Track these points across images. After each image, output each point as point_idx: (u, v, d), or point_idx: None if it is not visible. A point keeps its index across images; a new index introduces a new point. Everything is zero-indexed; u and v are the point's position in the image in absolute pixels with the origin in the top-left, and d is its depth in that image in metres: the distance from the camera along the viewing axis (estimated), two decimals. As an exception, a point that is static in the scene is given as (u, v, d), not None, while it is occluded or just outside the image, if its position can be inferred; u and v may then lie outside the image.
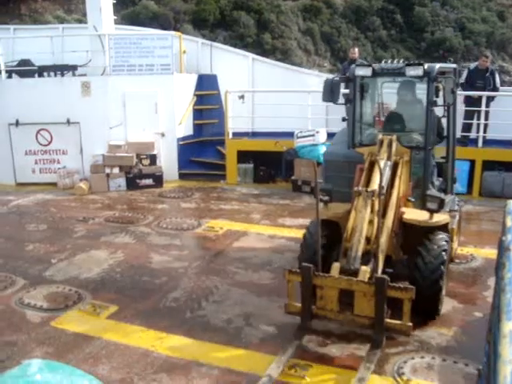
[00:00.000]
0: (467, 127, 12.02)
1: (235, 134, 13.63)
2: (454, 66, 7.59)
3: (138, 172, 12.91)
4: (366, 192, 5.80)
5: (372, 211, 5.73)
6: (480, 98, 11.78)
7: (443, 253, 5.87)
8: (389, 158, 6.30)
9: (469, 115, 11.97)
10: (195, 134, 14.63)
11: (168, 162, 13.51)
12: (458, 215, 7.72)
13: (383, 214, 5.80)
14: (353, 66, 7.13)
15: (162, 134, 13.43)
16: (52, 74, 14.00)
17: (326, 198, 6.36)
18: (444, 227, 6.24)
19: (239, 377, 5.03)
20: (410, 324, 5.08)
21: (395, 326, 5.17)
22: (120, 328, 6.05)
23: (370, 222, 5.68)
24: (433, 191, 6.71)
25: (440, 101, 6.85)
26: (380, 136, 6.56)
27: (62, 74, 13.87)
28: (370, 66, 6.80)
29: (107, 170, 12.78)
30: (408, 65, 6.44)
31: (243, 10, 37.42)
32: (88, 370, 4.89)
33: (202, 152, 14.53)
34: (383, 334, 5.22)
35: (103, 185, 12.74)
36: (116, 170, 12.80)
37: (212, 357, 5.38)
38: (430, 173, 6.91)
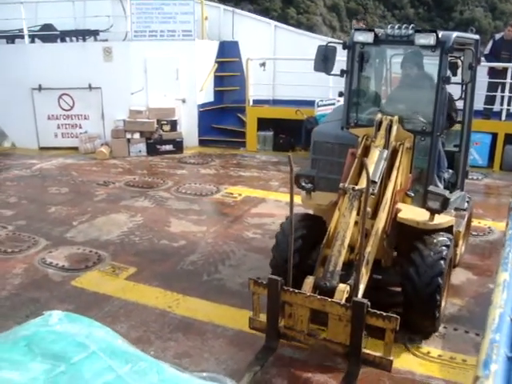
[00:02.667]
0: (491, 100, 11.82)
1: (256, 102, 13.59)
2: (477, 37, 6.26)
3: (158, 138, 12.99)
4: (353, 191, 4.88)
5: (359, 213, 4.77)
6: (505, 69, 11.54)
7: (441, 261, 4.91)
8: (386, 145, 5.36)
9: (492, 87, 11.76)
10: (216, 100, 14.62)
11: (188, 128, 13.56)
12: (468, 215, 6.60)
13: (374, 215, 5.01)
14: (352, 30, 6.01)
15: (183, 101, 13.45)
16: (74, 39, 14.06)
17: (309, 185, 5.47)
18: (447, 230, 5.28)
19: (253, 338, 5.13)
20: (392, 358, 4.21)
21: (374, 359, 4.25)
22: (138, 289, 6.21)
23: (356, 223, 4.77)
24: (437, 187, 5.68)
25: (456, 78, 5.81)
26: (379, 116, 5.50)
27: (84, 39, 13.92)
28: (371, 30, 5.69)
29: (128, 136, 12.88)
30: (418, 31, 5.39)
31: (269, -16, 36.92)
32: (107, 327, 5.07)
33: (223, 119, 14.55)
34: (359, 367, 4.32)
35: (124, 150, 12.86)
36: (137, 136, 12.89)
37: (227, 319, 5.49)
38: (437, 163, 5.87)
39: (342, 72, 6.00)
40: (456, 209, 6.17)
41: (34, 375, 2.27)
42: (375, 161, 5.14)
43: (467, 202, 6.75)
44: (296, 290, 4.41)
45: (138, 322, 5.47)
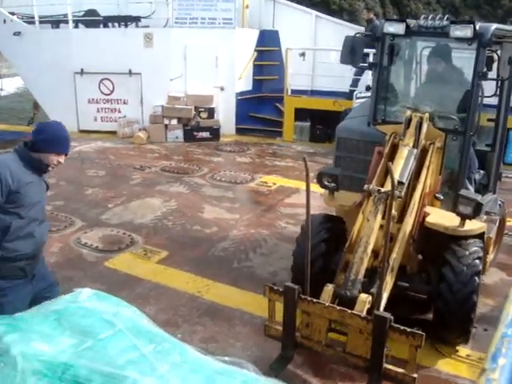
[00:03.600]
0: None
1: (294, 92, 13.52)
2: None
3: (195, 124, 13.07)
4: (378, 194, 4.57)
5: (384, 217, 4.36)
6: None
7: (477, 261, 4.64)
8: (416, 144, 5.05)
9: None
10: (254, 89, 14.59)
11: (226, 116, 13.59)
12: (499, 220, 6.15)
13: (401, 218, 4.75)
14: (382, 21, 5.60)
15: (221, 88, 13.48)
16: (116, 24, 14.23)
17: (333, 185, 5.17)
18: (477, 237, 4.92)
19: (280, 327, 5.16)
20: (415, 376, 3.92)
21: (396, 376, 3.96)
22: (169, 273, 6.30)
23: (382, 227, 4.44)
24: (469, 190, 5.37)
25: (492, 74, 5.35)
26: (408, 113, 5.19)
27: (126, 25, 14.08)
28: (403, 21, 5.30)
29: (166, 121, 12.99)
30: (453, 23, 5.00)
31: (312, -32, 36.40)
32: (137, 308, 5.18)
33: (260, 108, 14.52)
34: (379, 383, 4.05)
35: (161, 135, 12.99)
36: (174, 122, 13.00)
37: (255, 306, 5.50)
38: (469, 164, 5.53)
39: (371, 65, 5.71)
40: (487, 213, 5.73)
41: (62, 348, 2.35)
42: (403, 160, 4.86)
43: (499, 205, 6.31)
44: (314, 300, 4.14)
45: (167, 305, 5.56)
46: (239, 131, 13.96)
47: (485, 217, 5.58)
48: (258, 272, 6.34)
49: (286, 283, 4.29)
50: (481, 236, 4.98)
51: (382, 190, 4.60)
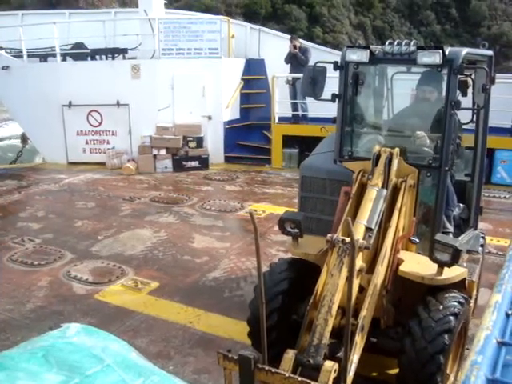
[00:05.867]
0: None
1: (282, 119, 13.65)
2: (490, 53, 5.39)
3: (184, 154, 13.14)
4: (343, 244, 4.02)
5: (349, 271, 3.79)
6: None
7: (451, 317, 4.08)
8: (385, 183, 4.56)
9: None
10: (242, 117, 14.72)
11: (214, 144, 13.68)
12: (482, 259, 5.64)
13: (371, 268, 4.28)
14: (344, 48, 5.09)
15: (209, 117, 13.58)
16: (104, 57, 14.38)
17: (295, 231, 4.70)
18: (459, 285, 4.45)
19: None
20: None
21: None
22: (160, 304, 6.26)
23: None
24: (446, 229, 4.97)
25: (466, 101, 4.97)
26: (376, 148, 4.71)
27: (113, 57, 14.23)
28: (367, 48, 4.84)
29: (154, 152, 13.06)
30: (420, 48, 4.58)
31: (295, 4, 37.49)
32: (127, 341, 5.10)
33: (248, 136, 14.62)
34: None
35: (150, 166, 13.02)
36: (163, 152, 13.07)
37: (247, 336, 5.50)
38: (447, 201, 5.04)
39: (334, 96, 5.10)
40: (469, 251, 5.27)
41: (49, 386, 2.32)
42: (371, 203, 4.38)
43: (481, 244, 5.78)
44: (273, 370, 3.52)
45: (159, 337, 5.52)
46: (228, 160, 14.03)
47: (466, 256, 5.20)
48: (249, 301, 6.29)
49: (240, 352, 3.67)
50: (462, 284, 4.55)
51: (347, 240, 4.03)
